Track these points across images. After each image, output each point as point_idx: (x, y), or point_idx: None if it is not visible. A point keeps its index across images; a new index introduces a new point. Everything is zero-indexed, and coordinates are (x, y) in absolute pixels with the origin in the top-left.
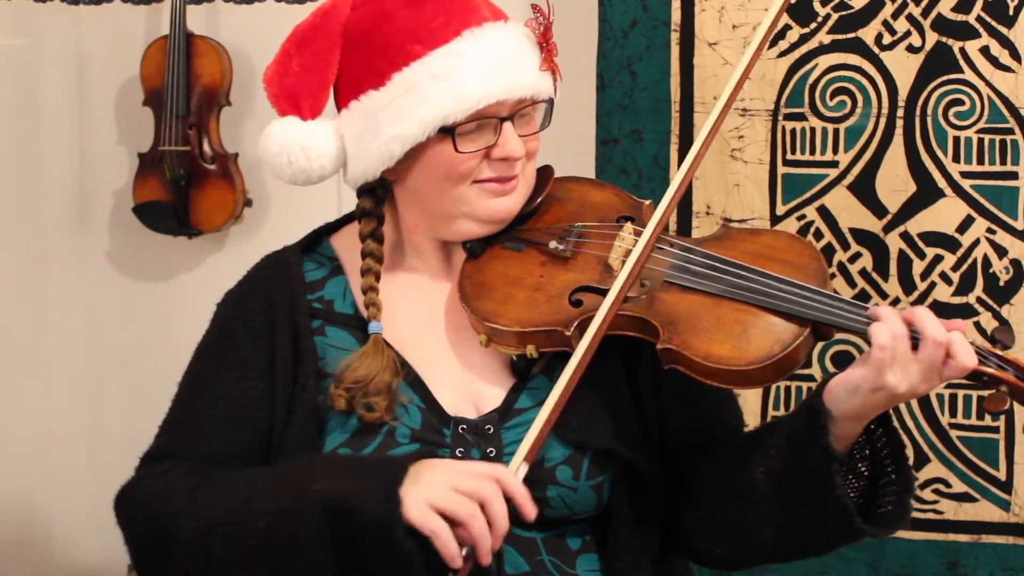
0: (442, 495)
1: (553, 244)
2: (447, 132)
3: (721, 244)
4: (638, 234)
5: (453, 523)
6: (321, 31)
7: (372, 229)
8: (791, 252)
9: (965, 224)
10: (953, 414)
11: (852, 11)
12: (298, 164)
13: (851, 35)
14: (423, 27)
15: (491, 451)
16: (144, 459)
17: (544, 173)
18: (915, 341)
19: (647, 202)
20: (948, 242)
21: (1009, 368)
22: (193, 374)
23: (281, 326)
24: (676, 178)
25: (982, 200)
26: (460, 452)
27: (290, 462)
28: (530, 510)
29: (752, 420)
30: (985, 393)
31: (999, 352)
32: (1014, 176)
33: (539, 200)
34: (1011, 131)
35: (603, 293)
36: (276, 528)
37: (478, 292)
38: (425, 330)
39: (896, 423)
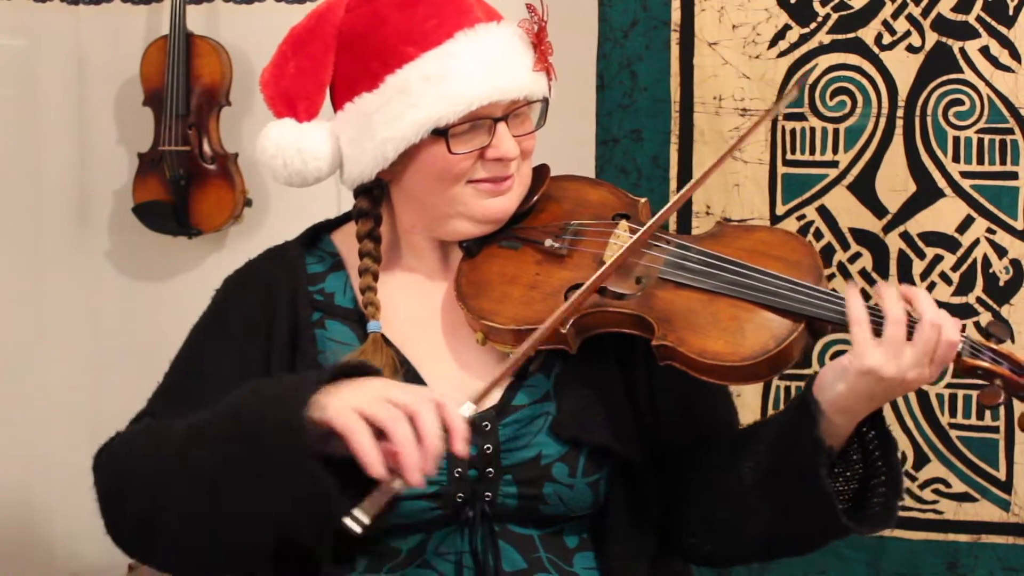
0: (367, 401)
1: (549, 242)
2: (440, 134)
3: (716, 241)
4: (633, 232)
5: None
6: (316, 33)
7: (369, 229)
8: (786, 248)
9: (965, 224)
10: (953, 414)
11: (852, 11)
12: (294, 166)
13: (851, 35)
14: (416, 29)
15: (488, 447)
16: (130, 423)
17: (540, 172)
18: (910, 328)
19: (642, 200)
20: (948, 242)
21: (1004, 362)
22: (187, 351)
23: (280, 317)
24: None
25: (982, 200)
26: None
27: (241, 388)
28: (460, 445)
29: (752, 419)
30: (980, 387)
31: (993, 346)
32: (1014, 176)
33: (535, 199)
34: (1011, 131)
35: (598, 291)
36: (214, 456)
37: (474, 291)
38: (423, 328)
39: (891, 422)
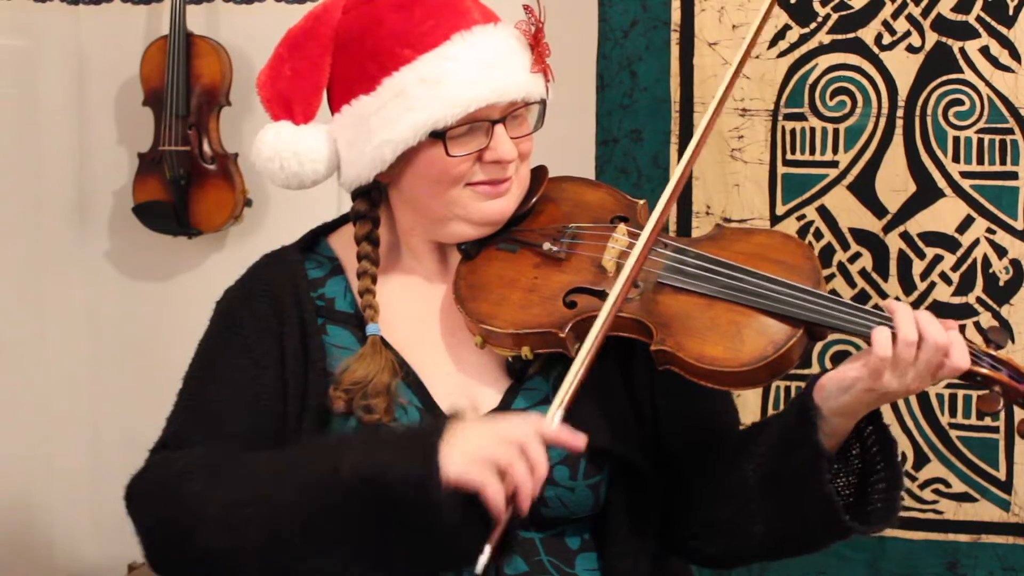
0: (482, 445)
1: (547, 245)
2: (438, 136)
3: (715, 244)
4: (632, 235)
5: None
6: (312, 35)
7: (367, 232)
8: (785, 252)
9: (965, 224)
10: (953, 414)
11: (852, 11)
12: (290, 169)
13: (851, 35)
14: (412, 31)
15: None
16: (155, 448)
17: (538, 174)
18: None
19: (641, 202)
20: (948, 242)
21: (1003, 369)
22: (200, 364)
23: (289, 323)
24: (669, 185)
25: (982, 200)
26: None
27: (318, 440)
28: (578, 440)
29: (751, 419)
30: (980, 393)
31: (993, 352)
32: (1014, 176)
33: (533, 201)
34: (1011, 131)
35: (597, 295)
36: (308, 502)
37: (473, 294)
38: (422, 331)
39: (890, 422)
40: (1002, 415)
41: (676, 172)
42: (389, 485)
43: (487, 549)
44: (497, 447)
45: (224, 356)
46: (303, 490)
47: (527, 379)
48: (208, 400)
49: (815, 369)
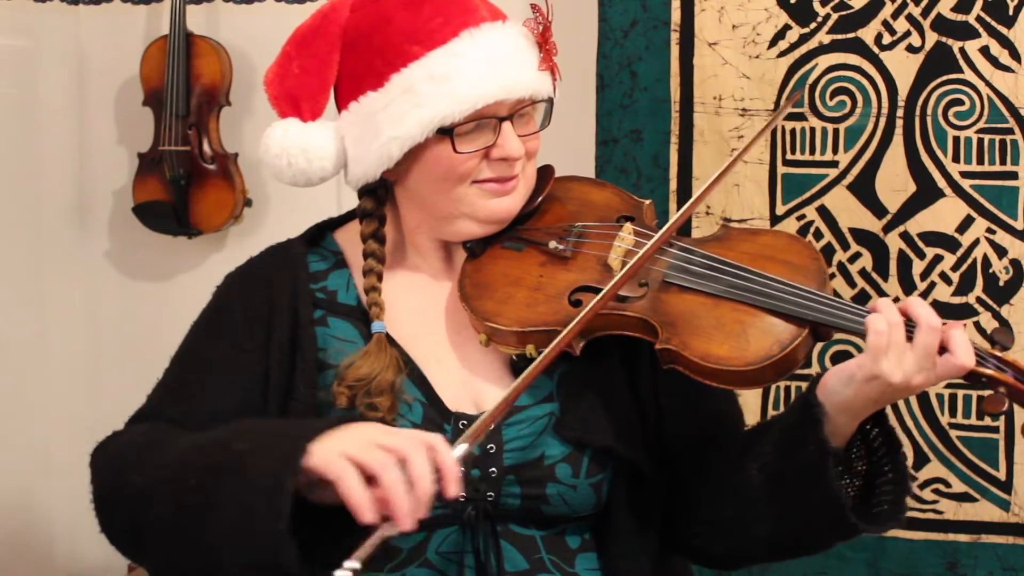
0: (357, 447)
1: (553, 244)
2: (445, 133)
3: (721, 244)
4: (638, 234)
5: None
6: (320, 33)
7: (373, 230)
8: (791, 253)
9: (965, 224)
10: (953, 414)
11: (852, 11)
12: (298, 166)
13: (851, 35)
14: (421, 28)
15: (491, 447)
16: (130, 420)
17: (544, 173)
18: (909, 332)
19: (647, 202)
20: (948, 242)
21: (1008, 370)
22: (188, 346)
23: (280, 313)
24: (686, 207)
25: (982, 200)
26: None
27: (239, 421)
28: (453, 487)
29: (752, 420)
30: (984, 394)
31: (998, 353)
32: (1014, 176)
33: (539, 200)
34: (1011, 131)
35: None
36: (197, 484)
37: (478, 292)
38: (426, 329)
39: (892, 421)
40: (1003, 416)
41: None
42: (250, 462)
43: (351, 562)
44: (370, 449)
45: (209, 339)
46: (198, 473)
47: None
48: (186, 380)
49: (815, 368)
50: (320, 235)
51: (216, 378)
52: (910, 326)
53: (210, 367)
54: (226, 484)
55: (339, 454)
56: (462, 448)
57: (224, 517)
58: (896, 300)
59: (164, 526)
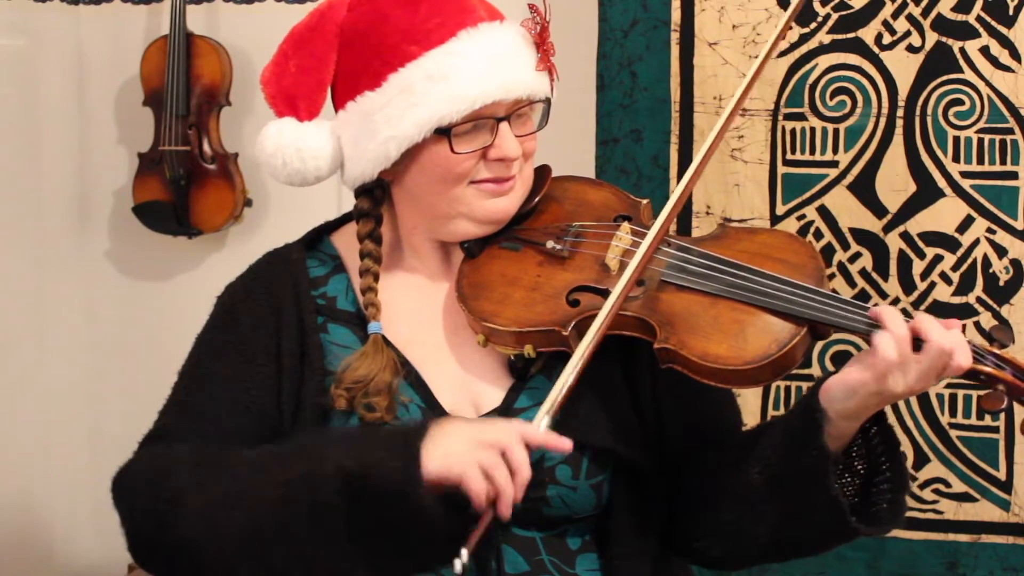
0: (463, 447)
1: (550, 244)
2: (443, 133)
3: (719, 243)
4: (635, 234)
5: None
6: (317, 32)
7: (370, 230)
8: (788, 251)
9: (965, 224)
10: (953, 414)
11: (852, 11)
12: (293, 165)
13: (851, 35)
14: (418, 28)
15: None
16: (144, 441)
17: (541, 173)
18: (915, 343)
19: (644, 201)
20: (948, 242)
21: (1007, 367)
22: (195, 359)
23: (287, 321)
24: (679, 186)
25: (982, 200)
26: None
27: (300, 435)
28: (563, 443)
29: (752, 420)
30: (983, 392)
31: (996, 351)
32: (1014, 176)
33: (536, 200)
34: (1011, 131)
35: (600, 293)
36: (289, 497)
37: (475, 292)
38: (424, 330)
39: (892, 422)
40: (1003, 415)
41: (686, 176)
42: (371, 480)
43: (464, 551)
44: (479, 449)
45: (218, 353)
46: (285, 485)
47: (529, 378)
48: (198, 397)
49: (815, 368)
50: (318, 239)
51: (229, 393)
52: (916, 340)
53: (222, 382)
54: (326, 497)
55: (451, 458)
56: (546, 421)
57: (352, 533)
58: (896, 302)
59: (246, 544)
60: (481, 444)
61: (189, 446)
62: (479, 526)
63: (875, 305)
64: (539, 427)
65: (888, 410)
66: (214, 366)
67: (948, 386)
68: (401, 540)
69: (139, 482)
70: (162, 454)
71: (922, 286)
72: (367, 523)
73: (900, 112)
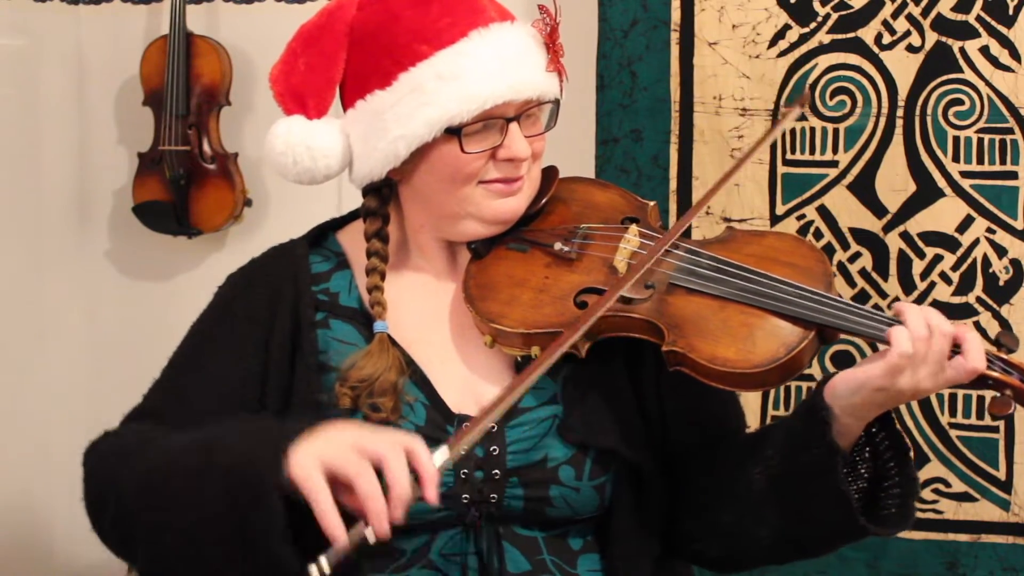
0: (333, 451)
1: (558, 245)
2: (453, 132)
3: (726, 247)
4: (643, 236)
5: (341, 484)
6: (327, 31)
7: (377, 229)
8: (796, 255)
9: (965, 224)
10: (953, 414)
11: (852, 11)
12: (303, 164)
13: (851, 35)
14: (429, 27)
15: (494, 449)
16: (126, 416)
17: (549, 174)
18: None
19: (651, 203)
20: (948, 242)
21: (1014, 372)
22: (188, 345)
23: (282, 315)
24: (692, 210)
25: (982, 200)
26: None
27: (227, 421)
28: (431, 491)
29: (752, 420)
30: (989, 396)
31: (1004, 356)
32: (1014, 176)
33: (544, 201)
34: (1011, 131)
35: None
36: (182, 489)
37: (483, 293)
38: (430, 329)
39: (898, 424)
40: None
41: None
42: (229, 473)
43: (323, 559)
44: (347, 455)
45: (208, 341)
46: (180, 477)
47: None
48: (183, 382)
49: (816, 370)
50: (322, 236)
51: (212, 379)
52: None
53: (207, 368)
54: (209, 492)
55: (315, 461)
56: (442, 454)
57: (215, 528)
58: (895, 302)
59: (151, 528)
60: (353, 450)
61: (139, 425)
62: (337, 539)
63: (875, 305)
64: (434, 454)
65: (893, 416)
66: (204, 354)
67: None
68: (248, 545)
69: (96, 455)
70: (129, 432)
71: (922, 286)
72: (226, 522)
73: (900, 112)
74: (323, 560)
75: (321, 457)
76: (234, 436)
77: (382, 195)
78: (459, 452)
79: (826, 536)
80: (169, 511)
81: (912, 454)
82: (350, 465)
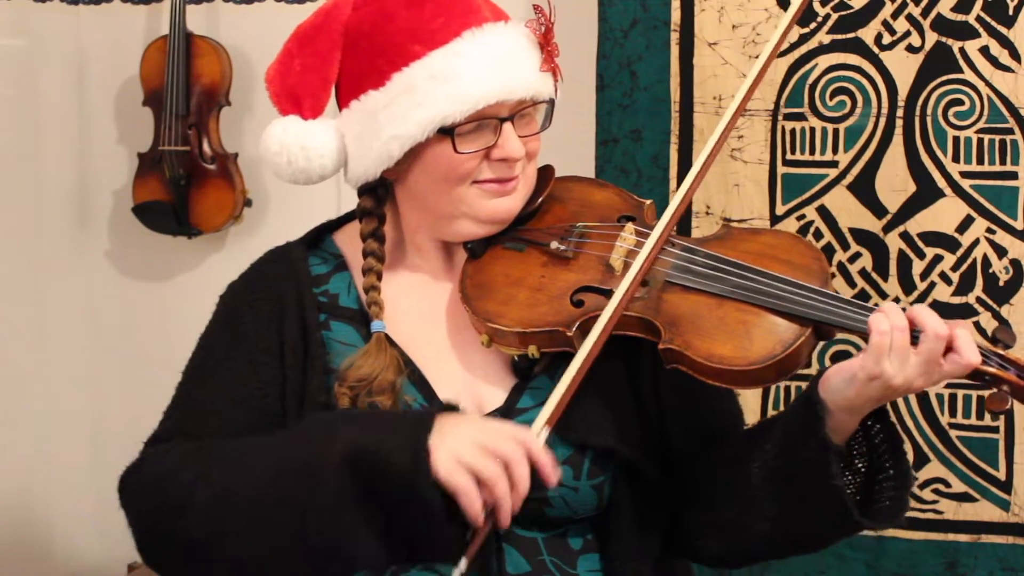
0: (470, 452)
1: (554, 244)
2: (446, 133)
3: (723, 244)
4: (639, 234)
5: (477, 482)
6: (322, 31)
7: (373, 229)
8: (793, 252)
9: (965, 224)
10: (953, 414)
11: (852, 11)
12: (298, 164)
13: (851, 35)
14: (423, 27)
15: None
16: (148, 442)
17: (545, 173)
18: (915, 337)
19: (648, 202)
20: (948, 242)
21: (1011, 368)
22: (198, 359)
23: (289, 319)
24: (683, 187)
25: (982, 200)
26: None
27: (306, 420)
28: (552, 476)
29: (752, 419)
30: (986, 393)
31: (1000, 351)
32: (1014, 176)
33: (540, 200)
34: (1011, 131)
35: (605, 293)
36: (295, 487)
37: (479, 293)
38: (427, 329)
39: (894, 419)
40: (1003, 415)
41: (689, 176)
42: (379, 463)
43: (464, 560)
44: (485, 459)
45: (221, 352)
46: (290, 475)
47: (532, 378)
48: (202, 397)
49: (815, 368)
50: (320, 238)
51: (233, 392)
52: (915, 332)
53: (226, 381)
54: (344, 478)
55: (456, 462)
56: (544, 434)
57: (357, 514)
58: (896, 303)
59: (257, 537)
60: (488, 453)
61: (193, 444)
62: (478, 535)
63: (875, 305)
64: (538, 437)
65: (888, 409)
66: (218, 365)
67: (948, 386)
68: (404, 527)
69: (146, 483)
70: (167, 452)
71: (922, 286)
72: (373, 514)
73: (900, 112)
74: (463, 561)
75: (460, 457)
76: (345, 427)
77: (377, 195)
78: (552, 424)
79: (821, 531)
80: (279, 513)
81: (908, 448)
82: (487, 469)
